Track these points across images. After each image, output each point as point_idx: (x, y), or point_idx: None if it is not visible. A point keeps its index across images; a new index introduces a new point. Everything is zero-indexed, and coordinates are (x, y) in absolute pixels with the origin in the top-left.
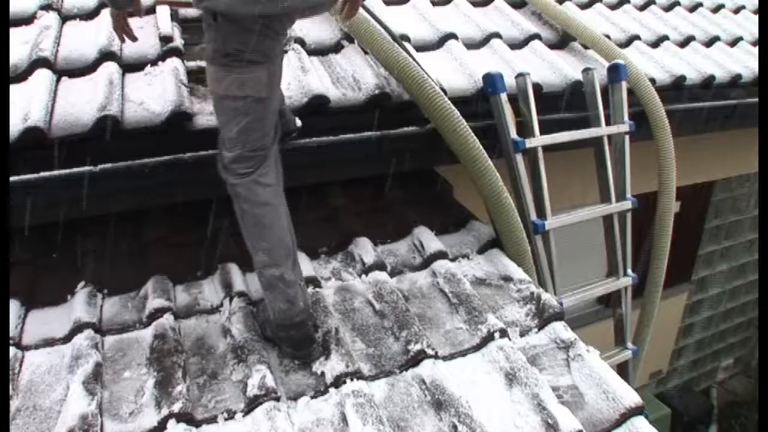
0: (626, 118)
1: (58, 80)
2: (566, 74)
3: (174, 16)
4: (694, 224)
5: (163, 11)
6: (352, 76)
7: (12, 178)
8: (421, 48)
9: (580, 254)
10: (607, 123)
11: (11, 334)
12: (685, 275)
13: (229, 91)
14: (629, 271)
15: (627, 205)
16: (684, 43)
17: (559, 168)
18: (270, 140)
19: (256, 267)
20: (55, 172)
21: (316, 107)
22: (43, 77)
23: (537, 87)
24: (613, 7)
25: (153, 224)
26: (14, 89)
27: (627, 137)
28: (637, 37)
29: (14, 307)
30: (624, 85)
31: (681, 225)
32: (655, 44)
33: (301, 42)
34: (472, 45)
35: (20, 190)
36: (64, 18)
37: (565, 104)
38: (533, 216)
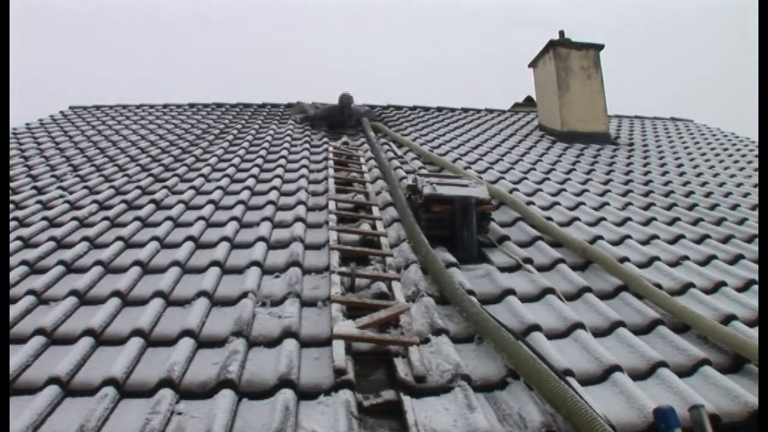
0: None
1: (239, 401)
2: (746, 401)
3: (348, 350)
4: None
5: (338, 345)
6: (518, 414)
7: None
8: (585, 382)
9: None
10: None
11: None
12: None
13: None
14: None
15: None
16: None
17: None
18: None
19: None
20: None
21: None
22: (226, 397)
23: (714, 418)
24: None
25: None
26: (200, 404)
27: None
28: None
29: None
30: None
31: None
32: None
33: (467, 379)
34: (638, 376)
35: None
36: (251, 344)
37: None
38: None
